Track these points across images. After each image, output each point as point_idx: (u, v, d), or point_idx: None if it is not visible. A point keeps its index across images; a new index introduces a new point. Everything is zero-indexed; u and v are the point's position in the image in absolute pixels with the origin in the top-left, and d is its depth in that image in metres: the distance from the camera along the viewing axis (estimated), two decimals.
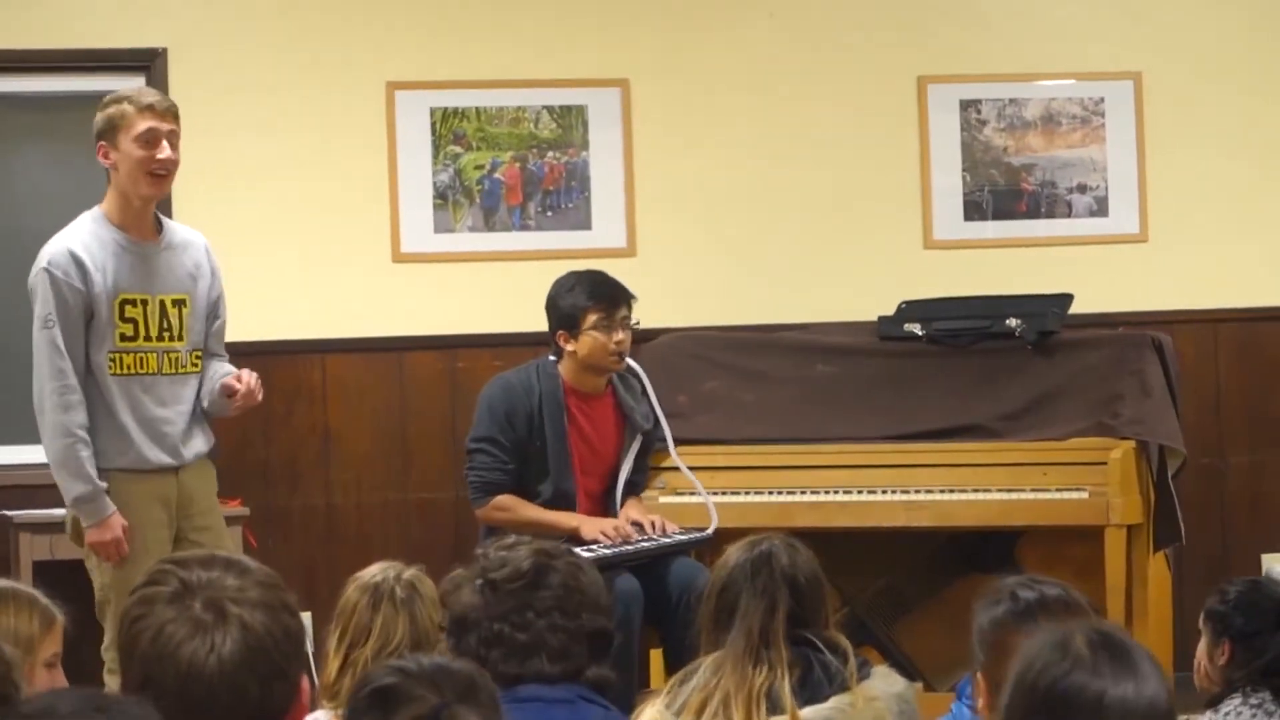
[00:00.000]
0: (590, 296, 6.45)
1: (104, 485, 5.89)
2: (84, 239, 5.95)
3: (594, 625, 3.74)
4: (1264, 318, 8.34)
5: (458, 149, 7.90)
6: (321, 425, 7.50)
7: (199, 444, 6.07)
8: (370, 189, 7.79)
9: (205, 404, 6.08)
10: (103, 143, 5.96)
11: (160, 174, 5.92)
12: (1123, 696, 2.70)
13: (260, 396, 6.04)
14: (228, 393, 5.98)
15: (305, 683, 2.71)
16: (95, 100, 7.67)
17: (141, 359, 5.96)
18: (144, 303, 5.96)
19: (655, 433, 6.67)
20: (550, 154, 7.97)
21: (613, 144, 7.98)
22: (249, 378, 5.97)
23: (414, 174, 7.85)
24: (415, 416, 7.78)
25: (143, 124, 5.89)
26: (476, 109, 7.92)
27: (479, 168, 7.92)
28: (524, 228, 7.95)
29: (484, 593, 3.69)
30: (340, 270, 7.64)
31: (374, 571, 4.36)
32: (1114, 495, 6.84)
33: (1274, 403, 8.35)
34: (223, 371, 6.08)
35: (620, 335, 6.47)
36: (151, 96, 5.99)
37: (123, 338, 5.93)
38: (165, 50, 7.63)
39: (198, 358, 6.06)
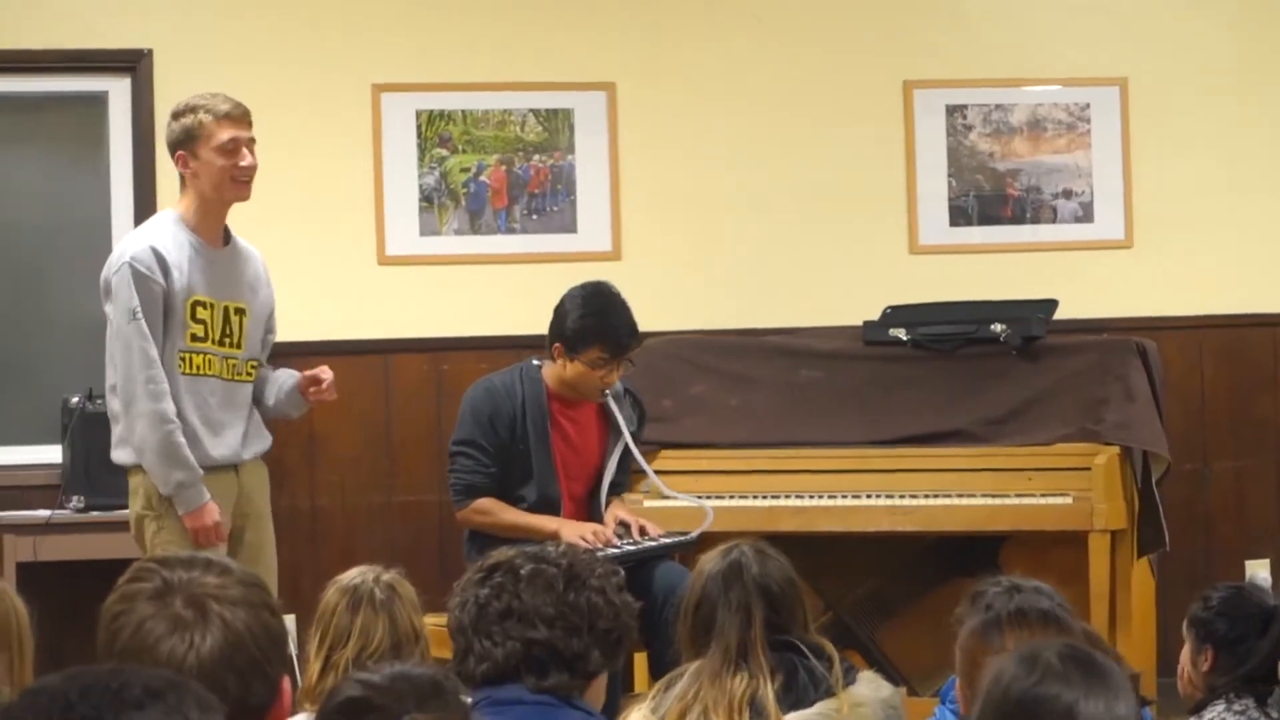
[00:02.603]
0: (600, 337, 6.35)
1: (202, 471, 5.93)
2: (164, 238, 6.00)
3: (574, 645, 3.67)
4: (1249, 324, 8.35)
5: (443, 152, 7.90)
6: (306, 427, 7.49)
7: (257, 444, 6.15)
8: (356, 191, 7.79)
9: (272, 402, 6.18)
10: (182, 152, 6.00)
11: (244, 180, 5.98)
12: (1094, 710, 2.72)
13: (334, 396, 6.24)
14: (313, 382, 6.11)
15: (286, 684, 2.71)
16: (83, 100, 7.76)
17: (208, 360, 6.01)
18: (211, 306, 6.00)
19: (638, 434, 6.64)
20: (536, 157, 7.97)
21: (599, 148, 7.98)
22: (329, 374, 6.14)
23: (400, 177, 7.85)
24: (401, 419, 7.78)
25: (224, 134, 5.95)
26: (462, 112, 7.92)
27: (465, 170, 7.92)
28: (509, 231, 7.95)
29: (469, 611, 3.65)
30: (326, 273, 7.64)
31: (353, 575, 4.36)
32: (1098, 501, 6.85)
33: (1258, 409, 8.37)
34: (284, 373, 6.21)
35: (612, 376, 6.44)
36: (226, 105, 5.99)
37: (193, 338, 5.97)
38: (151, 51, 7.63)
39: (253, 367, 6.13)
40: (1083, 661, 2.77)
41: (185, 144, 5.98)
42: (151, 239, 6.01)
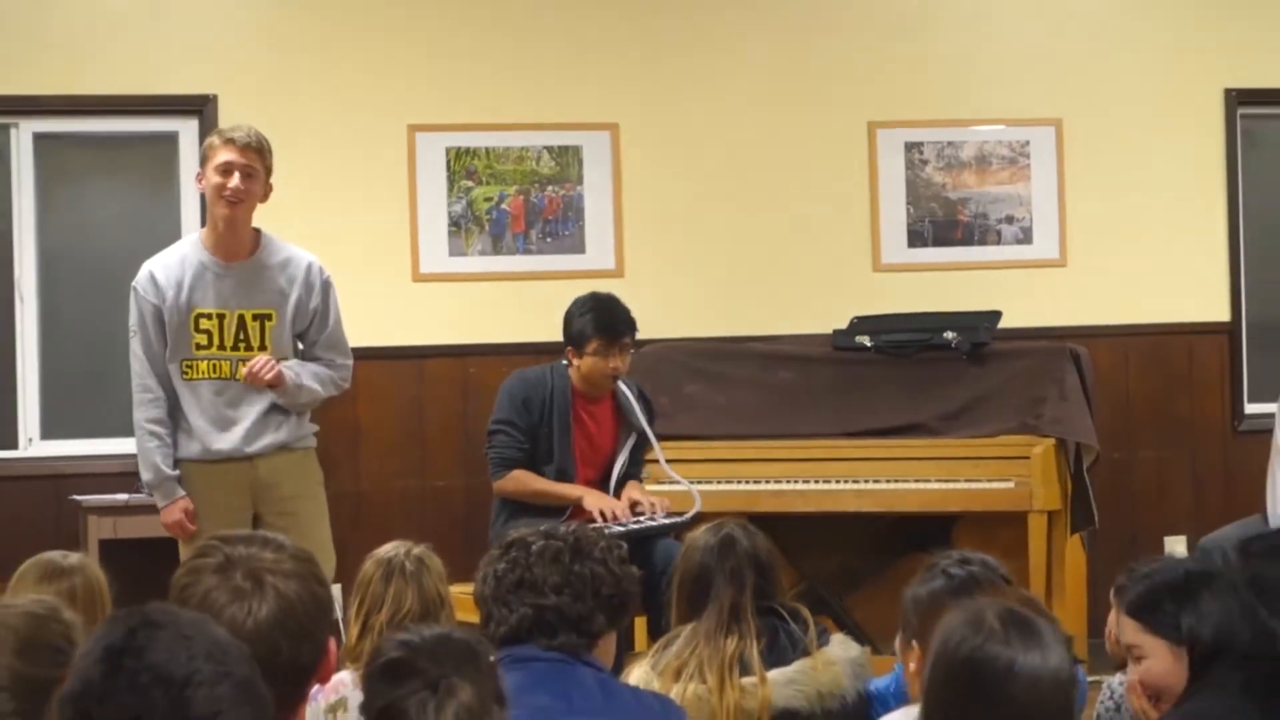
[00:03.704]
0: (595, 326, 6.38)
1: (174, 473, 5.88)
2: (167, 260, 5.96)
3: (580, 609, 3.63)
4: (1168, 333, 8.33)
5: (469, 183, 7.87)
6: (352, 422, 7.46)
7: (275, 436, 5.97)
8: (393, 218, 7.76)
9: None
10: (199, 170, 5.97)
11: (229, 199, 5.85)
12: (1031, 665, 2.71)
13: (266, 378, 5.84)
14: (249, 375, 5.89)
15: (332, 645, 2.70)
16: (154, 140, 7.72)
17: (215, 365, 5.92)
18: (221, 316, 5.90)
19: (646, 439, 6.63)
20: (550, 188, 7.94)
21: (604, 180, 7.95)
22: (254, 361, 5.85)
23: (431, 205, 7.82)
24: (432, 415, 7.75)
25: (221, 156, 5.87)
26: (486, 149, 7.88)
27: (488, 200, 7.89)
28: (527, 252, 7.91)
29: (489, 583, 3.63)
30: (367, 288, 7.59)
31: (388, 549, 4.35)
32: (1036, 485, 6.86)
33: (1176, 406, 8.35)
34: (289, 364, 5.98)
35: (616, 361, 6.41)
36: (236, 132, 5.91)
37: (198, 347, 5.90)
38: (216, 96, 7.59)
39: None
40: (1019, 621, 2.77)
41: (201, 163, 5.97)
42: (152, 264, 5.97)
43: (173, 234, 7.59)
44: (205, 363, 5.91)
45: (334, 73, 7.73)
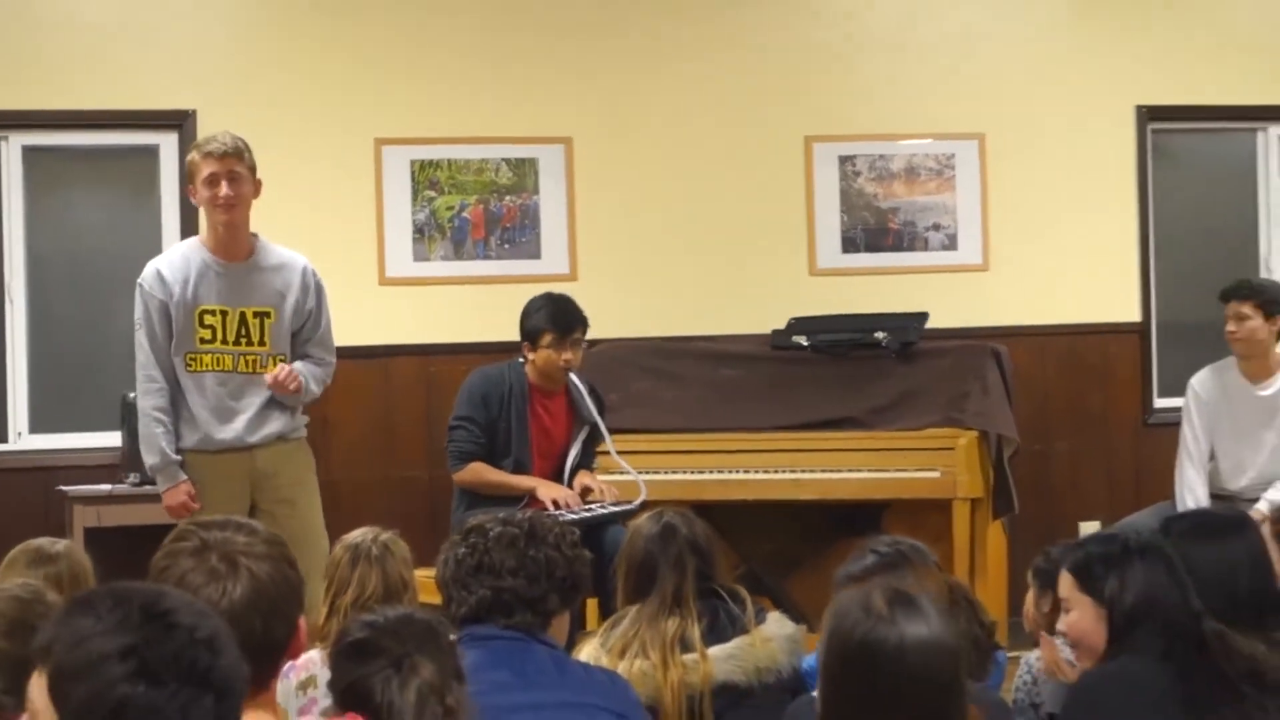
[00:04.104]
0: (548, 321, 6.39)
1: (177, 458, 5.88)
2: (171, 259, 5.98)
3: (535, 591, 3.66)
4: (1082, 332, 8.38)
5: (433, 193, 7.88)
6: (322, 417, 7.45)
7: (273, 427, 5.97)
8: (361, 225, 7.77)
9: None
10: (190, 185, 5.96)
11: (223, 205, 5.86)
12: (917, 636, 2.72)
13: (291, 388, 5.89)
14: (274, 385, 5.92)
15: (303, 623, 2.71)
16: (136, 152, 7.72)
17: (218, 359, 5.91)
18: (224, 313, 5.90)
19: (598, 431, 6.65)
20: (508, 198, 7.96)
21: (558, 190, 7.97)
22: (279, 371, 5.88)
23: (397, 213, 7.83)
24: (398, 410, 7.76)
25: (205, 170, 5.87)
26: (448, 161, 7.90)
27: (450, 209, 7.90)
28: (486, 257, 7.93)
29: (450, 565, 3.65)
30: (337, 291, 7.51)
31: (356, 534, 4.34)
32: (961, 474, 6.87)
33: (1090, 401, 8.40)
34: (297, 368, 5.98)
35: (569, 354, 6.42)
36: (211, 145, 5.90)
37: (202, 341, 5.89)
38: (195, 111, 7.60)
39: (280, 360, 5.96)
40: (903, 599, 2.77)
41: (189, 179, 5.97)
42: (158, 262, 6.00)
43: (154, 239, 7.61)
44: (209, 356, 5.91)
45: (306, 90, 7.74)
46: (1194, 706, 3.41)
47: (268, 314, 5.97)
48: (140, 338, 5.93)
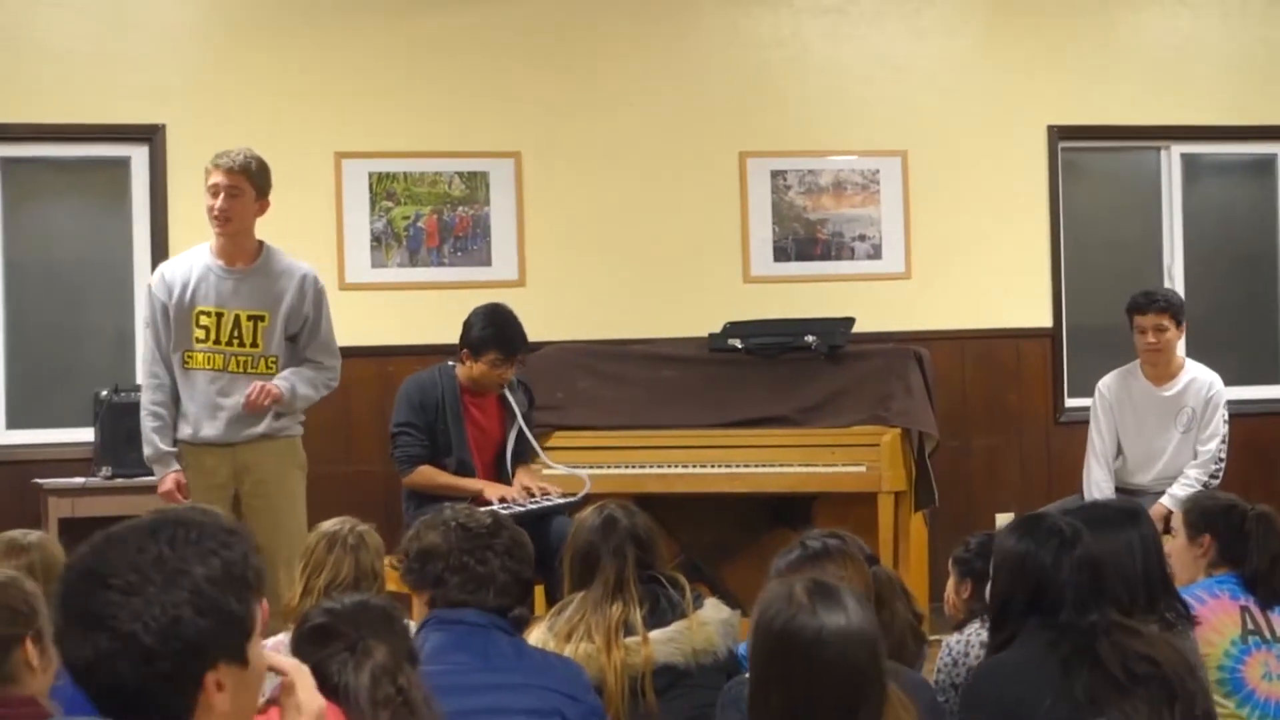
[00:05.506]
0: (496, 342, 6.34)
1: (170, 449, 5.86)
2: (176, 262, 5.98)
3: (526, 574, 3.75)
4: (998, 336, 8.43)
5: (389, 204, 7.85)
6: None
7: (258, 427, 5.89)
8: (322, 233, 7.73)
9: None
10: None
11: (215, 217, 5.84)
12: (836, 626, 2.74)
13: (265, 404, 5.81)
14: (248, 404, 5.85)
15: (265, 605, 2.69)
16: (109, 164, 7.65)
17: (210, 357, 5.87)
18: (219, 314, 5.86)
19: (530, 415, 6.62)
20: (460, 209, 7.93)
21: (508, 202, 7.96)
22: (251, 390, 5.80)
23: (356, 222, 7.80)
24: (356, 408, 7.71)
25: (211, 179, 5.85)
26: (404, 173, 7.87)
27: (406, 218, 7.87)
28: (440, 264, 7.90)
29: (455, 533, 3.69)
30: None
31: (334, 522, 4.33)
32: (885, 469, 6.89)
33: (1006, 400, 8.45)
34: (284, 376, 5.91)
35: (508, 373, 6.41)
36: (222, 158, 5.85)
37: (197, 340, 5.86)
38: (164, 125, 7.55)
39: (272, 362, 5.91)
40: (823, 590, 2.79)
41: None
42: (165, 266, 6.01)
43: (125, 246, 7.58)
44: (202, 354, 5.88)
45: (271, 106, 7.70)
46: (1074, 696, 3.39)
47: (261, 317, 5.92)
48: (147, 336, 5.92)
